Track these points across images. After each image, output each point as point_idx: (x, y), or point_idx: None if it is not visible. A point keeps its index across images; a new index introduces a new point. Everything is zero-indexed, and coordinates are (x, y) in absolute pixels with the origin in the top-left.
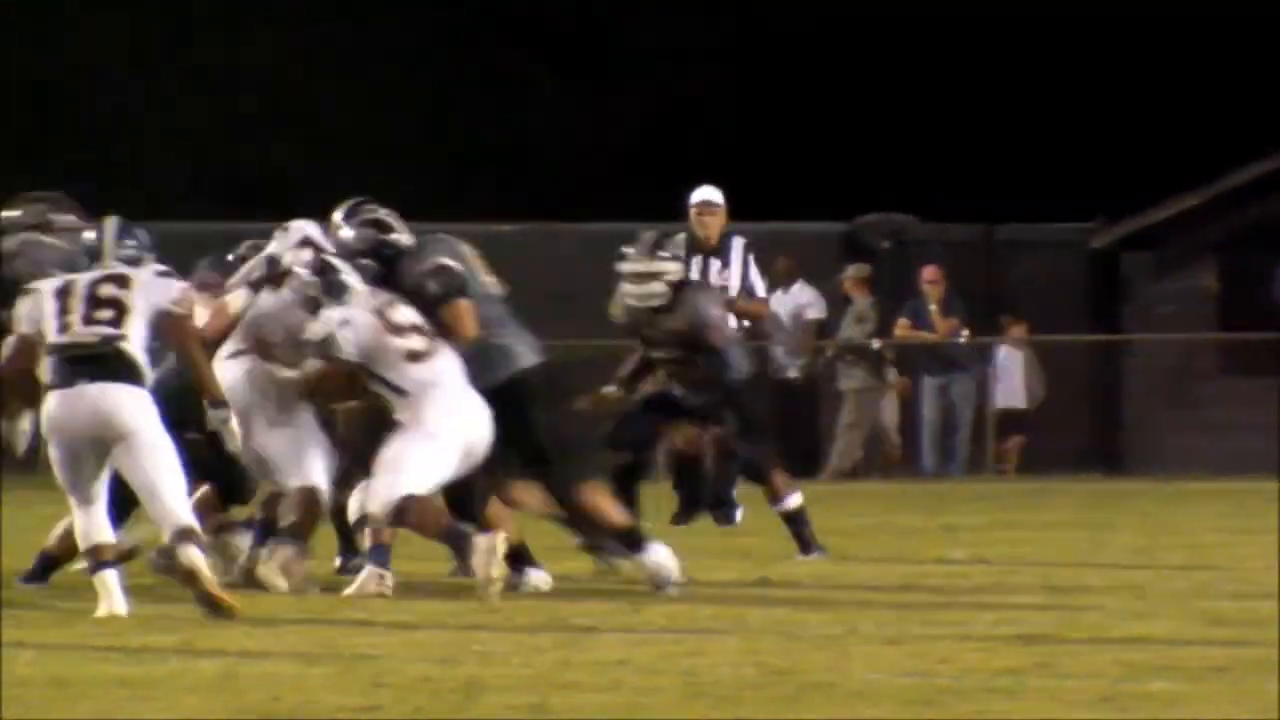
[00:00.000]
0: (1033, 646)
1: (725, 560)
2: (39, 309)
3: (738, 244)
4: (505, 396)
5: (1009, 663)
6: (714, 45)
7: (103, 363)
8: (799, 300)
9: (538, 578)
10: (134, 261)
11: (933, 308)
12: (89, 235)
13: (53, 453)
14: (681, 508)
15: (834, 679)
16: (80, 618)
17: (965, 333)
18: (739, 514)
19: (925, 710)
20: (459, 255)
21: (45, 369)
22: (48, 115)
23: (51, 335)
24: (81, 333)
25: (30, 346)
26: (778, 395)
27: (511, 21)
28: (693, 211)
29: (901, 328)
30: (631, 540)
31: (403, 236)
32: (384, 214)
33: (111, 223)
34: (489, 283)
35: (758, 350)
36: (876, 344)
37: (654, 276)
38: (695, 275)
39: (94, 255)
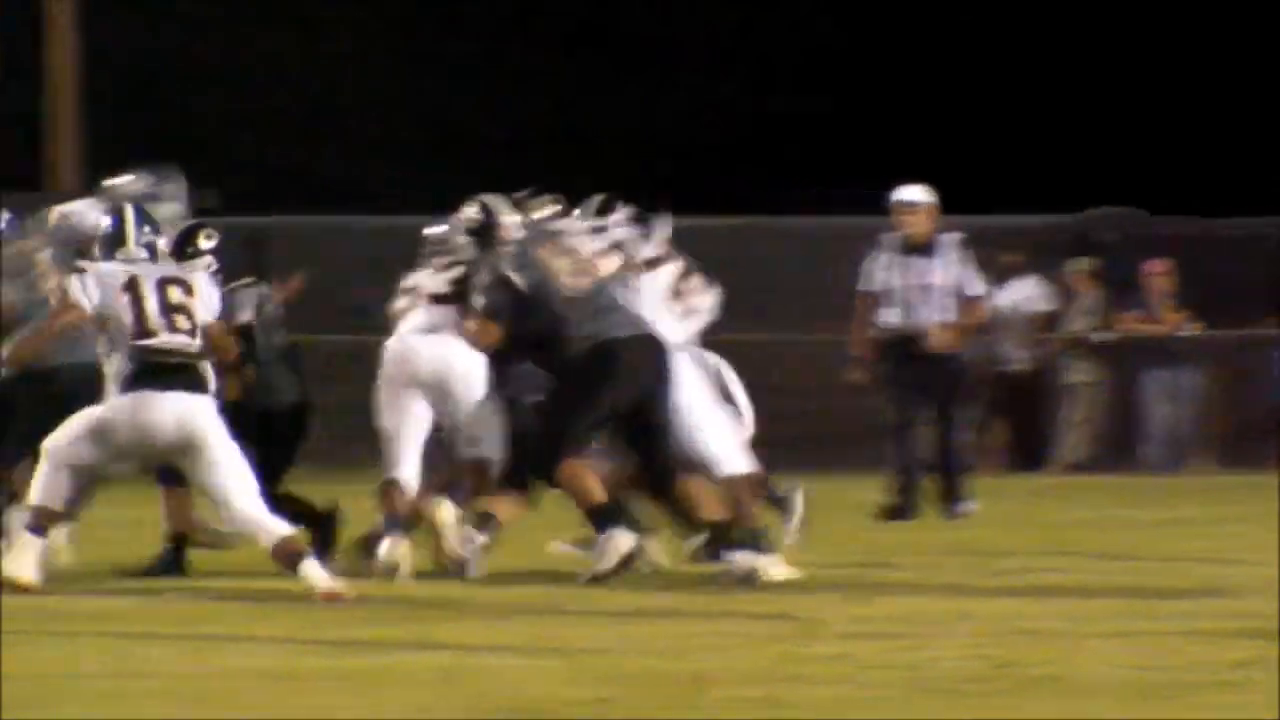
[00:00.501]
0: (1258, 640)
1: (950, 554)
2: (110, 297)
3: (949, 241)
4: (594, 361)
5: (1236, 656)
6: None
7: (184, 372)
8: (1026, 294)
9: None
10: (151, 247)
11: (1160, 301)
12: (105, 221)
13: (104, 443)
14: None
15: (1060, 672)
16: (302, 611)
17: (1193, 326)
18: (970, 506)
19: (1151, 704)
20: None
21: (116, 360)
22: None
23: (130, 332)
24: (168, 341)
25: (82, 323)
26: (1004, 389)
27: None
28: (893, 211)
29: (1127, 321)
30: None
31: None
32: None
33: (130, 210)
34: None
35: (984, 345)
36: (1103, 337)
37: None
38: (905, 274)
39: (117, 243)
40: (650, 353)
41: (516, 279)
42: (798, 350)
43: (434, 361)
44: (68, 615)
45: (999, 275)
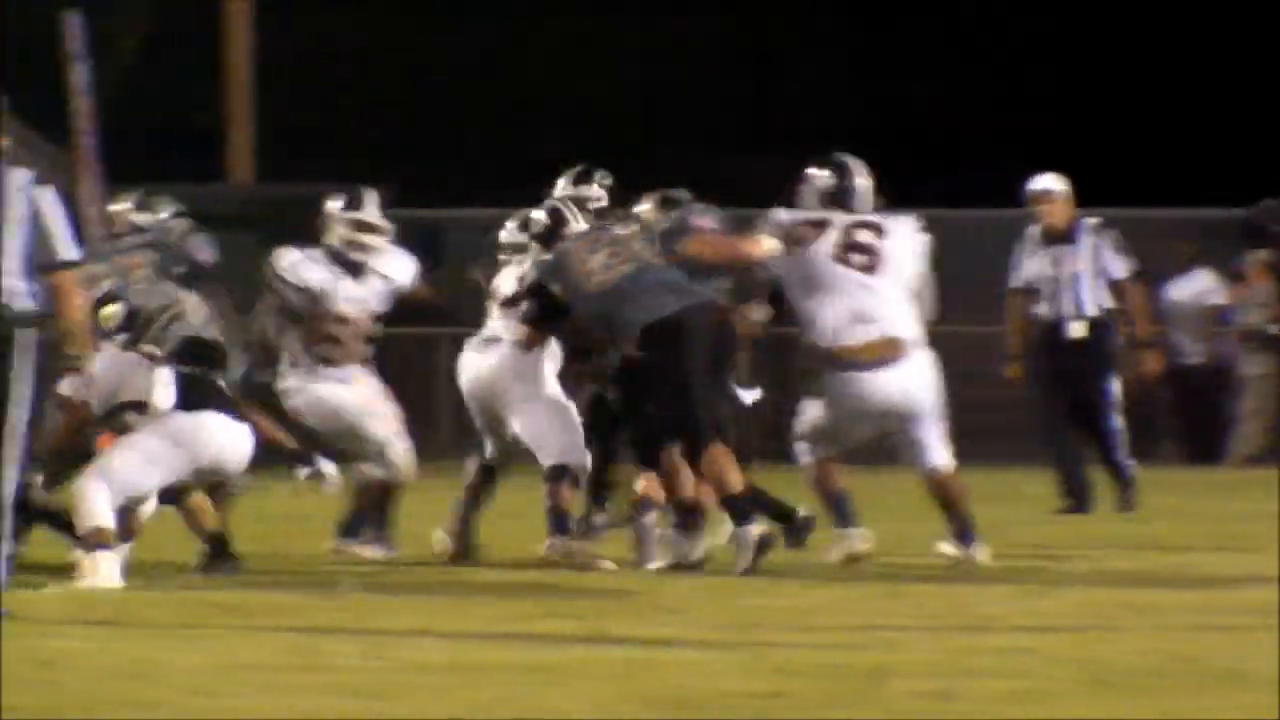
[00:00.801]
0: None
1: (1131, 548)
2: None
3: (1087, 227)
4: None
5: None
6: (1120, 26)
7: None
8: (1200, 286)
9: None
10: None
11: None
12: (163, 218)
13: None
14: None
15: (1245, 667)
16: (479, 605)
17: None
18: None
19: None
20: (561, 266)
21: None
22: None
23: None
24: None
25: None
26: (1179, 382)
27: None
28: (1029, 202)
29: None
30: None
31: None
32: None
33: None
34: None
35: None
36: (1277, 329)
37: None
38: (1048, 264)
39: (167, 248)
40: (707, 320)
41: (551, 282)
42: (970, 339)
43: (475, 380)
44: (244, 609)
45: (1174, 268)
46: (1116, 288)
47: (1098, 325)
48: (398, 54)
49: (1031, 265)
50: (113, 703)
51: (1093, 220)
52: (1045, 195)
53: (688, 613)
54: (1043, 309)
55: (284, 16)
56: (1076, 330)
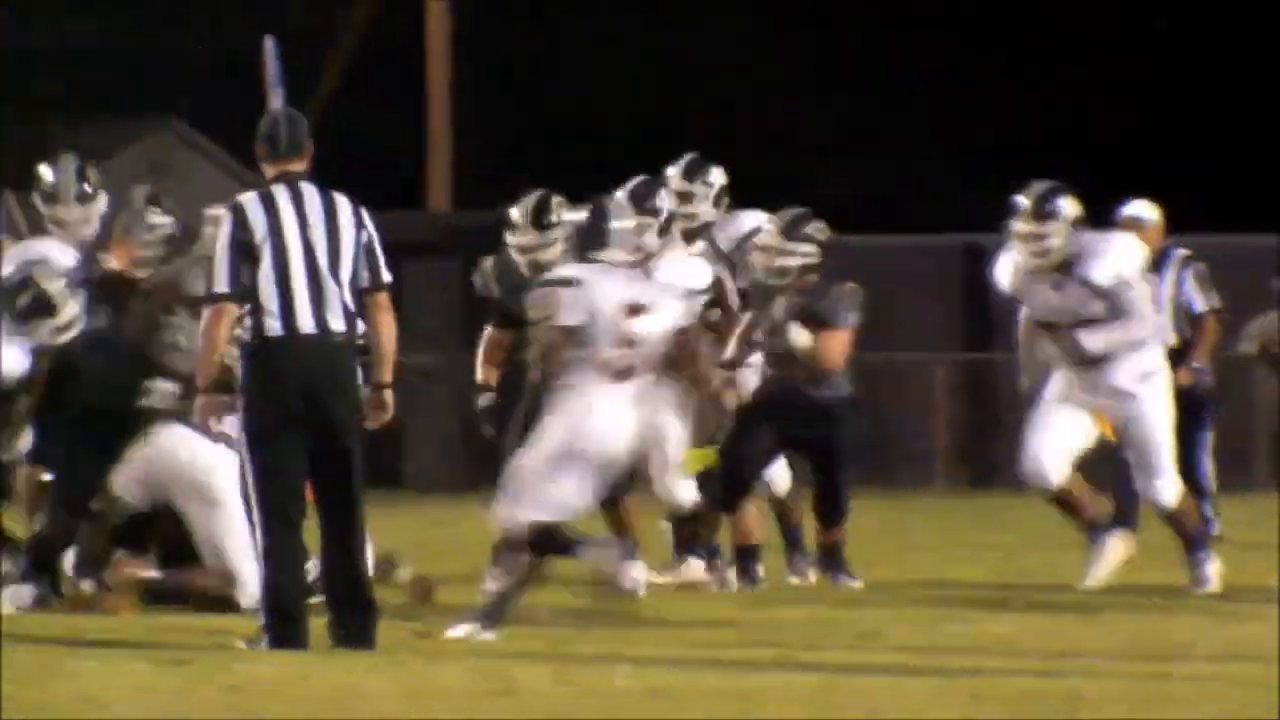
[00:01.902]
0: None
1: None
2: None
3: (1175, 258)
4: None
5: None
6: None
7: None
8: None
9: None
10: None
11: None
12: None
13: None
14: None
15: None
16: (670, 630)
17: None
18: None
19: None
20: None
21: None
22: None
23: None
24: None
25: None
26: None
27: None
28: (1120, 227)
29: None
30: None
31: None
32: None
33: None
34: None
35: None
36: None
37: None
38: None
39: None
40: None
41: None
42: None
43: None
44: (433, 630)
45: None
46: (1194, 321)
47: (1173, 357)
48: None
49: None
50: None
51: (1182, 251)
52: (1135, 222)
53: (881, 639)
54: None
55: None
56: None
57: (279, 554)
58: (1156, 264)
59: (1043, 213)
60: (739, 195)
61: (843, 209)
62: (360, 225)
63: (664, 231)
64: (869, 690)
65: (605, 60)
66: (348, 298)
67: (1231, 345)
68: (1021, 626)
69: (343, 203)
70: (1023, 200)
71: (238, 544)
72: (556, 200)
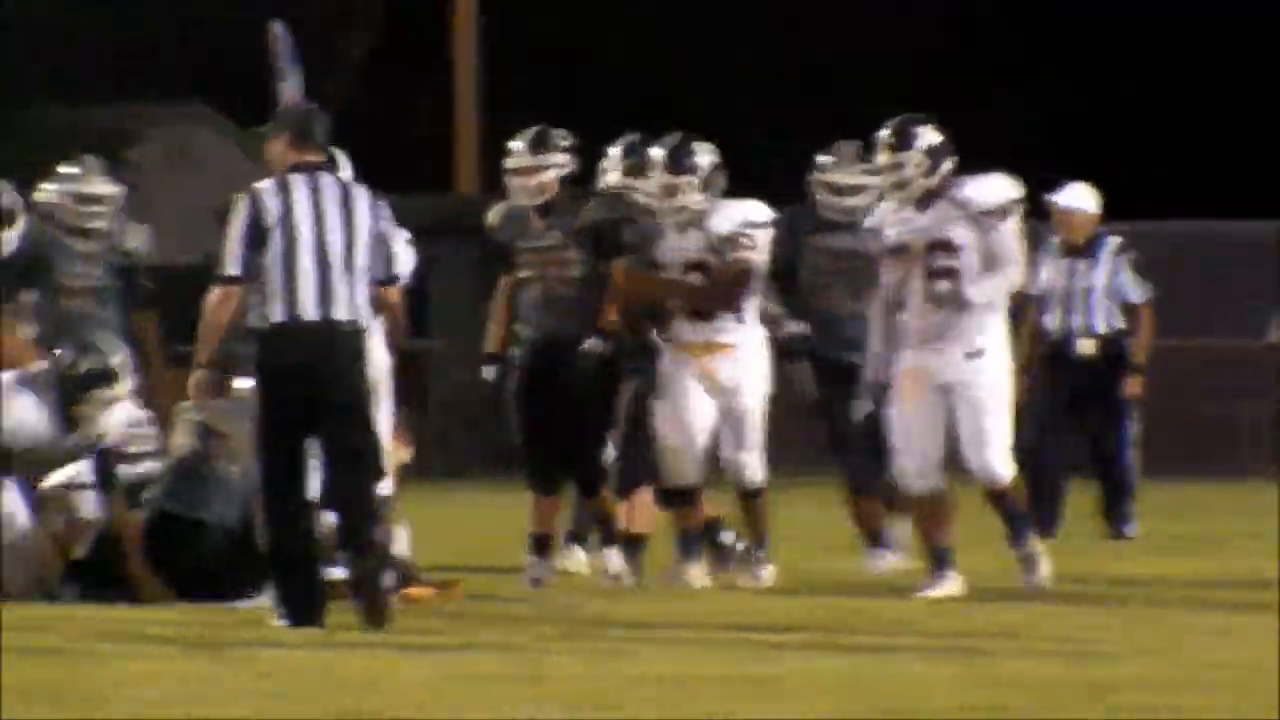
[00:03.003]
0: None
1: None
2: None
3: (1109, 245)
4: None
5: None
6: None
7: None
8: None
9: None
10: None
11: None
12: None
13: None
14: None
15: None
16: (699, 617)
17: None
18: (1134, 528)
19: None
20: None
21: None
22: None
23: None
24: None
25: None
26: None
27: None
28: (1055, 213)
29: None
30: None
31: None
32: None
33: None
34: None
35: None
36: None
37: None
38: (1062, 276)
39: None
40: None
41: None
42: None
43: None
44: (464, 617)
45: None
46: (1129, 311)
47: (1107, 344)
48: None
49: (1045, 275)
50: (337, 713)
51: (1115, 239)
52: (1065, 213)
53: (907, 627)
54: (1052, 322)
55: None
56: (1085, 348)
57: (286, 538)
58: (1089, 251)
59: (899, 144)
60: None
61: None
62: (376, 217)
63: (707, 187)
64: (893, 677)
65: (634, 38)
66: (358, 287)
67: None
68: (1045, 614)
69: (359, 193)
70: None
71: None
72: (557, 131)
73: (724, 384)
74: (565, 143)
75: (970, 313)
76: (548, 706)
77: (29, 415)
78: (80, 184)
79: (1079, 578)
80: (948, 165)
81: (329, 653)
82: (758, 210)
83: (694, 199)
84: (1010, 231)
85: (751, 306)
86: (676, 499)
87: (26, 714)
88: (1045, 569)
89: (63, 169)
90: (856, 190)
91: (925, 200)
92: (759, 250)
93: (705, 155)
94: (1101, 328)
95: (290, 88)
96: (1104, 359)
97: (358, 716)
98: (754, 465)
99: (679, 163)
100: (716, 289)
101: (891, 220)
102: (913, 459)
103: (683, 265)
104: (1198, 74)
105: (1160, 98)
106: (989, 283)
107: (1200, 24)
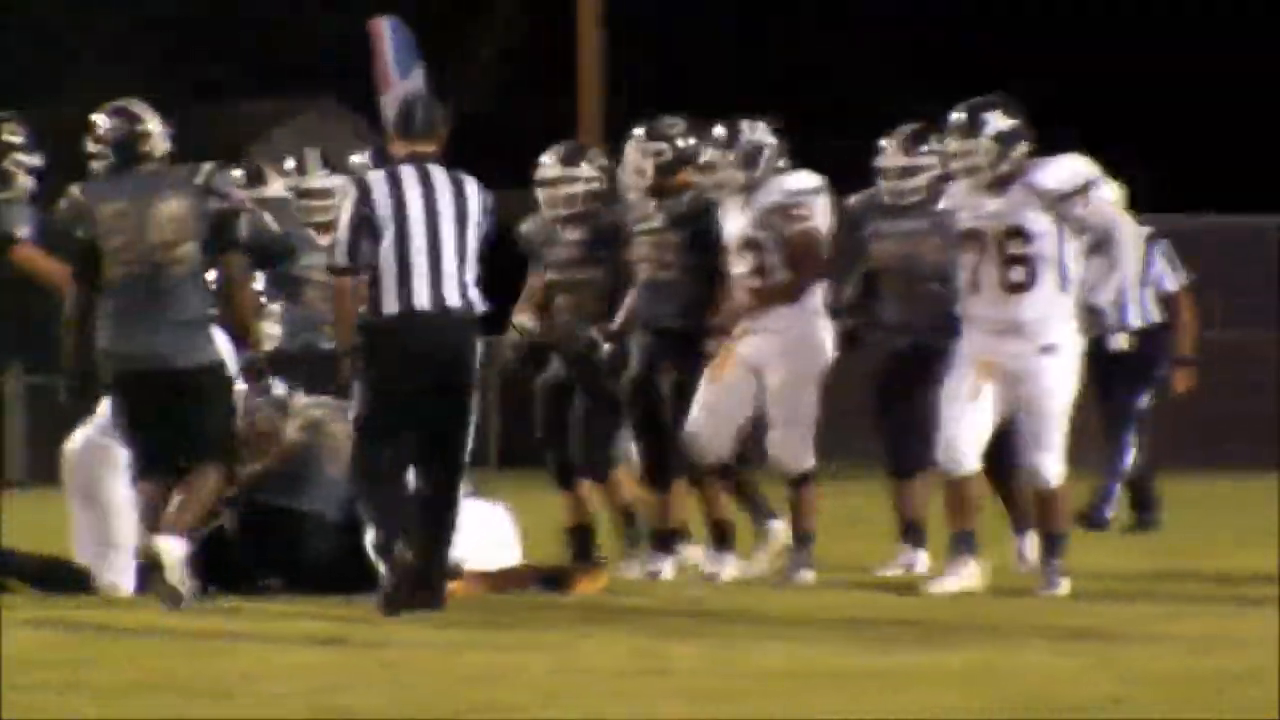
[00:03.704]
0: None
1: None
2: None
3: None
4: None
5: None
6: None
7: None
8: None
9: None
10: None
11: None
12: None
13: None
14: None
15: None
16: (821, 611)
17: None
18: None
19: None
20: None
21: None
22: None
23: None
24: None
25: None
26: None
27: None
28: None
29: None
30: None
31: None
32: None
33: None
34: None
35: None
36: None
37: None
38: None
39: None
40: None
41: None
42: None
43: None
44: (584, 610)
45: None
46: (1167, 301)
47: (1142, 337)
48: None
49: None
50: (463, 706)
51: (1145, 229)
52: None
53: (1030, 620)
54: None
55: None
56: (1119, 343)
57: (387, 525)
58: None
59: (969, 130)
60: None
61: None
62: (485, 211)
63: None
64: (1017, 671)
65: (753, 31)
66: (469, 277)
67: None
68: (1167, 611)
69: (470, 185)
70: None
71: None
72: (591, 149)
73: (760, 364)
74: (598, 160)
75: (1044, 305)
76: (672, 700)
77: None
78: (302, 180)
79: (1194, 573)
80: (1020, 149)
81: (453, 646)
82: (805, 179)
83: (735, 176)
84: (1099, 209)
85: (815, 287)
86: (718, 477)
87: (155, 706)
88: (1065, 587)
89: (284, 164)
90: (912, 172)
91: (998, 185)
92: (817, 217)
93: (758, 132)
94: (1136, 320)
95: (402, 79)
96: (1138, 352)
97: (483, 710)
98: (794, 451)
99: (731, 141)
100: (783, 285)
101: (965, 204)
102: (962, 440)
103: (739, 242)
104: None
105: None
106: (1112, 278)
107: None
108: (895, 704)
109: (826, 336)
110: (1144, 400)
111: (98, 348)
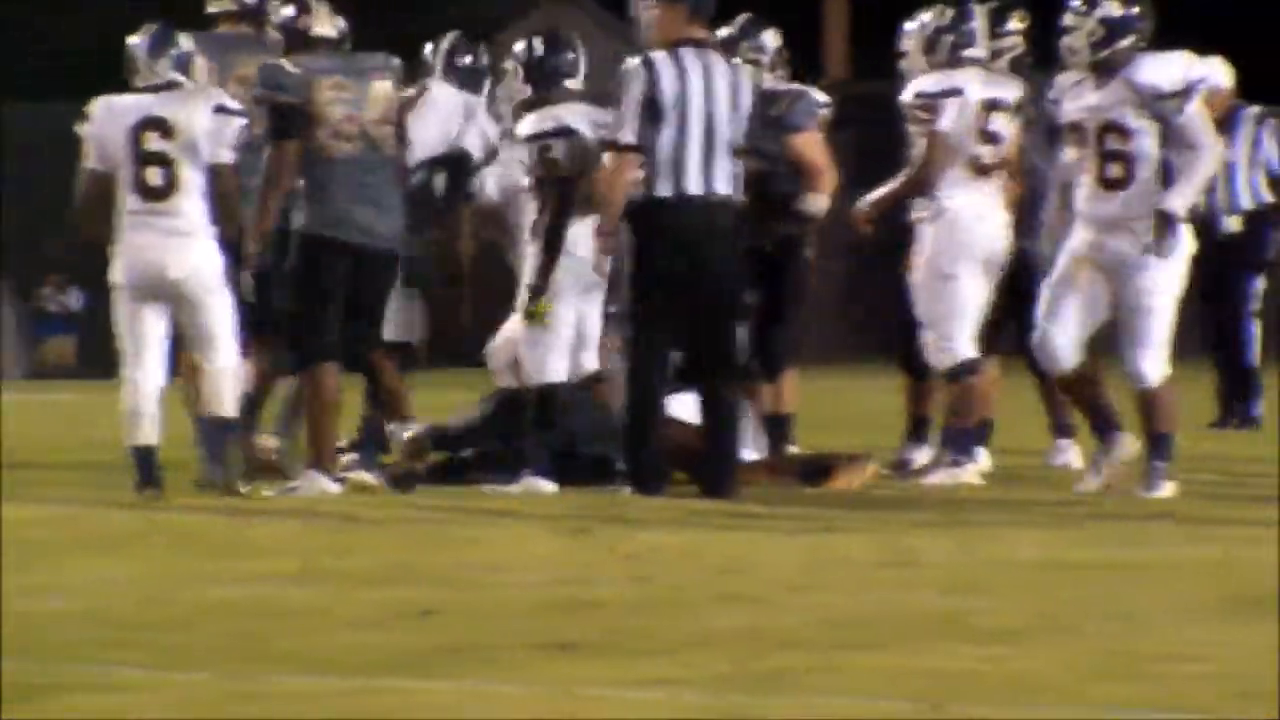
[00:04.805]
0: None
1: None
2: None
3: (1246, 116)
4: None
5: None
6: None
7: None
8: None
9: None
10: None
11: None
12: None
13: None
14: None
15: None
16: (1069, 504)
17: None
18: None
19: None
20: None
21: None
22: None
23: None
24: None
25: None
26: None
27: None
28: None
29: None
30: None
31: None
32: None
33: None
34: None
35: None
36: None
37: None
38: None
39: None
40: None
41: None
42: None
43: None
44: (827, 501)
45: None
46: (1276, 184)
47: (1252, 219)
48: None
49: None
50: (707, 596)
51: (1254, 109)
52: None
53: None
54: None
55: None
56: (1230, 225)
57: (644, 404)
58: (1225, 126)
59: (1080, 8)
60: None
61: None
62: (758, 98)
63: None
64: (1265, 564)
65: None
66: (738, 165)
67: None
68: None
69: (744, 74)
70: None
71: None
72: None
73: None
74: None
75: (1143, 202)
76: (917, 591)
77: None
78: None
79: None
80: (1127, 41)
81: (695, 535)
82: (931, 81)
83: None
84: (1195, 115)
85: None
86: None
87: (393, 594)
88: (1169, 489)
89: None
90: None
91: (1101, 75)
92: (945, 119)
93: (772, 38)
94: (1247, 203)
95: None
96: (1248, 235)
97: (730, 600)
98: (930, 345)
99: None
100: (913, 178)
101: (1069, 93)
102: (1063, 337)
103: None
104: None
105: None
106: (1187, 187)
107: None
108: (1141, 596)
109: None
110: (1257, 285)
111: (320, 218)
